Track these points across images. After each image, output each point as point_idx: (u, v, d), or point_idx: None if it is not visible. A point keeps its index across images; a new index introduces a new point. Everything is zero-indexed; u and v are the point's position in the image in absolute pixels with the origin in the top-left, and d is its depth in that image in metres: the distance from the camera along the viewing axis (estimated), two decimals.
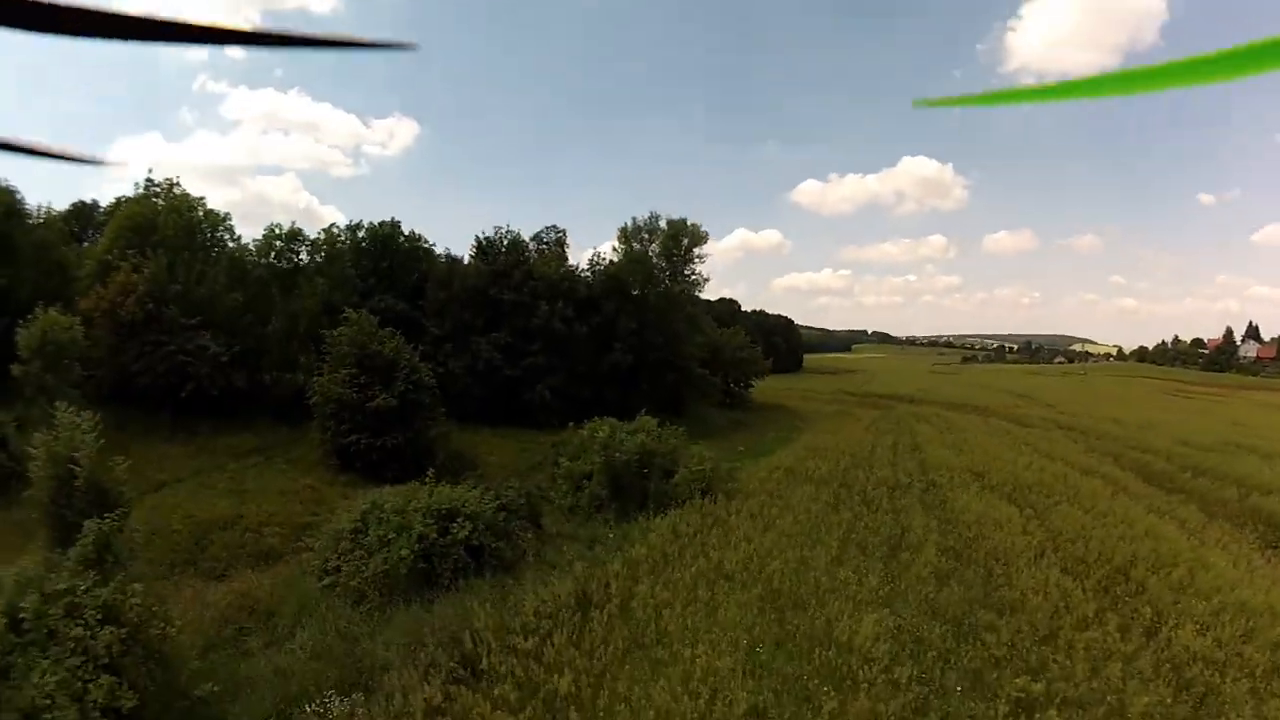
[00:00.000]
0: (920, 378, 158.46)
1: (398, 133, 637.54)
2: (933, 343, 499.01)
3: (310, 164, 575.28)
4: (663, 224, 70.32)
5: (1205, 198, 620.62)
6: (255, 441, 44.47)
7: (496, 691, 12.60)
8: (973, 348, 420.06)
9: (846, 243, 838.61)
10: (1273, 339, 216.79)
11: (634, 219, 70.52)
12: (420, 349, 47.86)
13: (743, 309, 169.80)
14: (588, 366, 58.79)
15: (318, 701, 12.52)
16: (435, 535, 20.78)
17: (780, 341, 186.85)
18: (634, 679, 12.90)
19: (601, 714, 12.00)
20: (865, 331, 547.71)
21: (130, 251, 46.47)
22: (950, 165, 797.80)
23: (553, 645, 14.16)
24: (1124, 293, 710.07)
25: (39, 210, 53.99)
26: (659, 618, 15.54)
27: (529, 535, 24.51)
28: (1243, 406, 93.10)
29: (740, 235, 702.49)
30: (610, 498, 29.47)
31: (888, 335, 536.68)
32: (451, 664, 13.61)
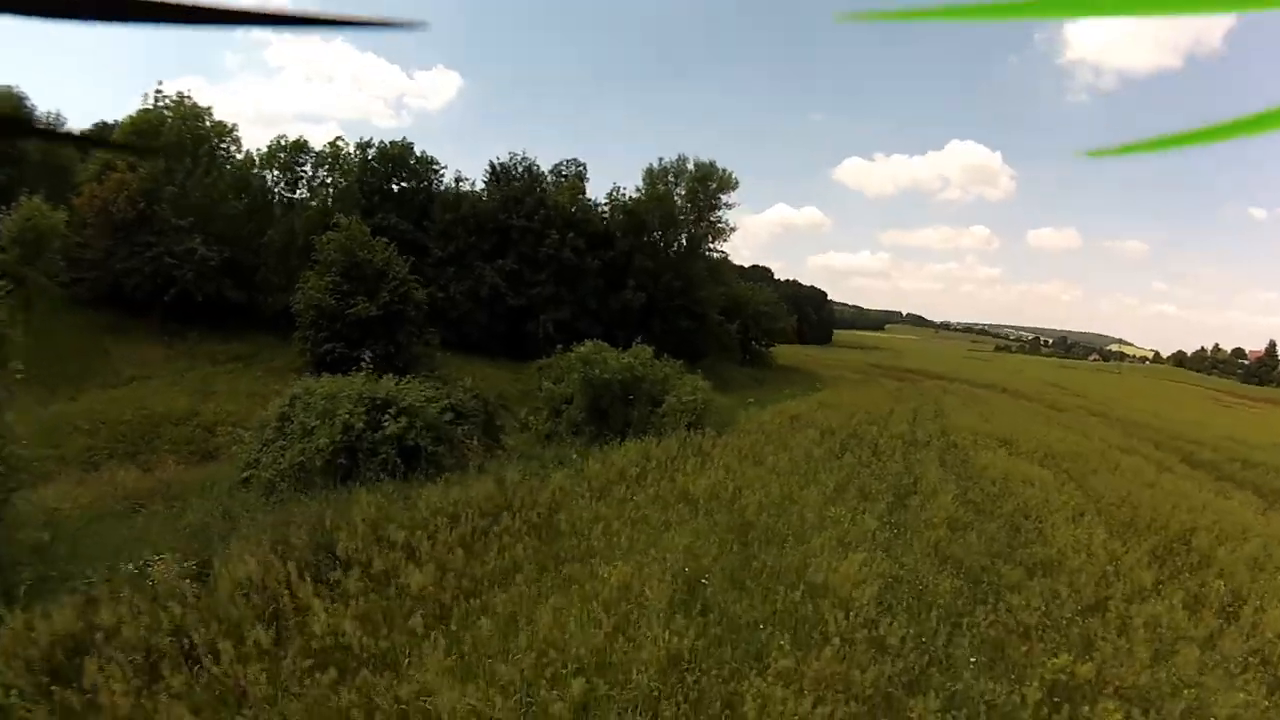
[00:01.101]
0: (952, 359, 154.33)
1: (440, 84, 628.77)
2: (967, 329, 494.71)
3: (353, 113, 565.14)
4: (690, 166, 66.80)
5: (1257, 212, 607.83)
6: (240, 349, 43.94)
7: (334, 576, 9.83)
8: (1007, 338, 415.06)
9: (888, 225, 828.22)
10: None
11: (660, 159, 67.13)
12: (421, 271, 46.01)
13: (777, 279, 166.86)
14: (598, 302, 55.32)
15: (139, 560, 10.58)
16: (362, 427, 17.91)
17: (811, 313, 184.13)
18: (522, 595, 9.67)
19: (454, 623, 8.85)
20: (900, 313, 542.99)
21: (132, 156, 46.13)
22: (1000, 153, 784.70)
23: (433, 542, 11.16)
24: (1165, 299, 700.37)
25: (49, 118, 53.85)
26: (587, 535, 12.33)
27: (477, 445, 21.33)
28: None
29: (780, 210, 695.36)
30: (587, 421, 26.26)
31: (923, 319, 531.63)
32: (304, 545, 10.81)
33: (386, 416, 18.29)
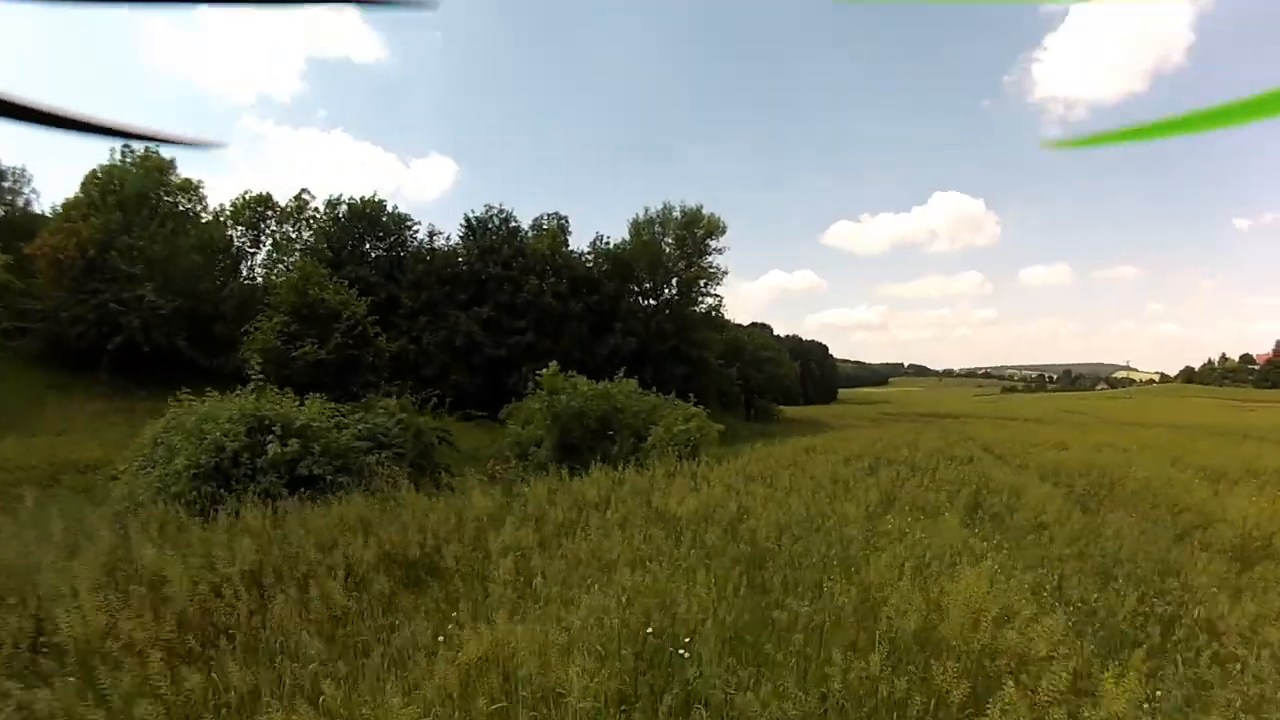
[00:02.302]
0: (963, 402, 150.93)
1: (437, 171, 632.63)
2: (970, 374, 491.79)
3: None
4: (676, 213, 63.17)
5: (1240, 222, 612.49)
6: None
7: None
8: (1011, 379, 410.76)
9: (881, 280, 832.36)
10: None
11: (646, 208, 63.72)
12: (392, 324, 43.58)
13: (777, 335, 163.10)
14: (583, 350, 50.55)
15: None
16: (237, 448, 14.14)
17: (815, 368, 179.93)
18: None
19: None
20: (902, 365, 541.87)
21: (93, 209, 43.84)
22: (982, 200, 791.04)
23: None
24: (1163, 319, 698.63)
25: (12, 173, 53.45)
26: (485, 575, 7.93)
27: (400, 478, 16.71)
28: None
29: (774, 276, 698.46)
30: (559, 460, 21.47)
31: (925, 368, 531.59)
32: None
33: (270, 438, 14.47)
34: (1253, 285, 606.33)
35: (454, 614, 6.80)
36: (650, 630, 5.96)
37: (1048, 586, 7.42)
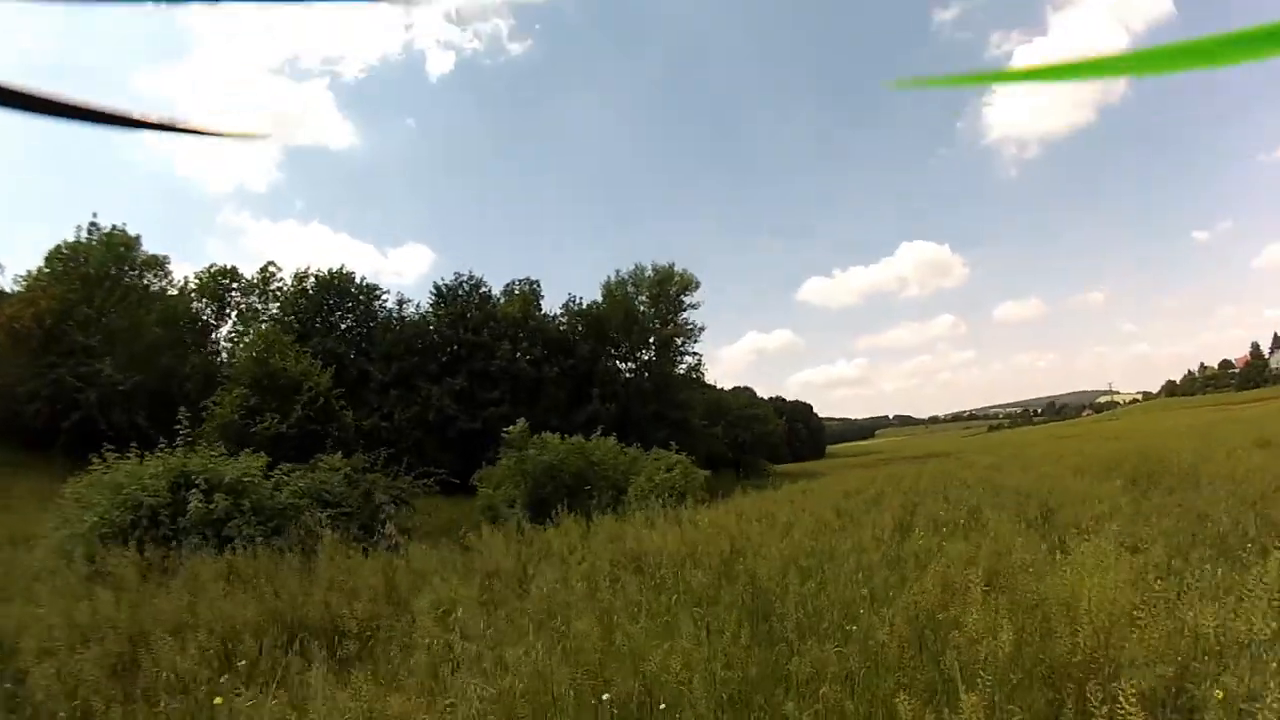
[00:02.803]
0: (953, 443, 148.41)
1: (413, 259, 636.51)
2: (956, 418, 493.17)
3: None
4: (649, 272, 61.92)
5: (1199, 234, 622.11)
6: None
7: None
8: (997, 417, 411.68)
9: (858, 333, 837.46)
10: None
11: (617, 270, 62.46)
12: (363, 399, 42.14)
13: (760, 397, 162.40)
14: (560, 418, 48.61)
15: None
16: (156, 504, 13.00)
17: (802, 428, 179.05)
18: None
19: None
20: (887, 417, 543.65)
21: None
22: (947, 245, 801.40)
23: None
24: (1137, 339, 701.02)
25: None
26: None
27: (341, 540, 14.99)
28: None
29: (751, 338, 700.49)
30: (532, 519, 19.67)
31: (910, 418, 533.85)
32: None
33: (193, 493, 13.24)
34: (1221, 294, 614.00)
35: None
36: (608, 696, 4.11)
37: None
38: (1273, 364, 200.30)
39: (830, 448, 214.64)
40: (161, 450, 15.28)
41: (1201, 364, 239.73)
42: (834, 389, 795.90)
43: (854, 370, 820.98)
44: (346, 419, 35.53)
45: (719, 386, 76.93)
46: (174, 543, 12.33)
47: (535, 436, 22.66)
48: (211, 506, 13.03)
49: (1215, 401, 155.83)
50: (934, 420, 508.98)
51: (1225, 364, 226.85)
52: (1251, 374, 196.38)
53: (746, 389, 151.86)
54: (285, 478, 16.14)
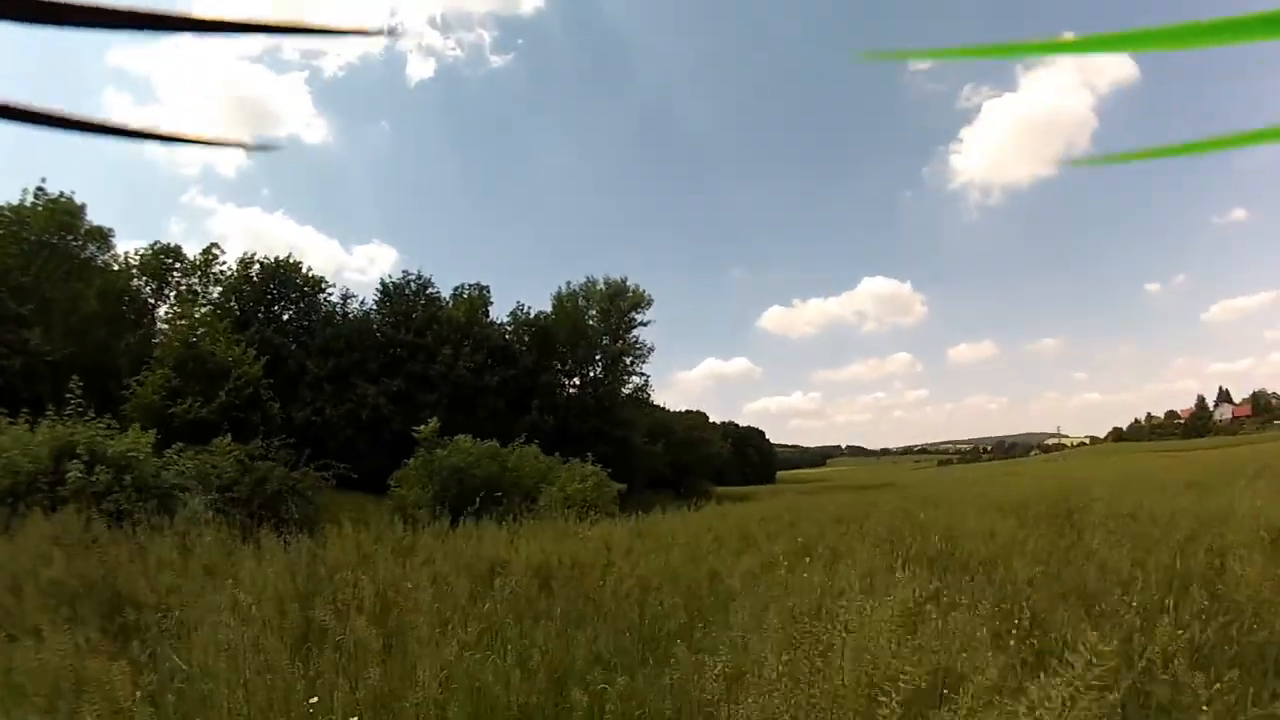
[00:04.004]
0: (901, 474, 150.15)
1: (377, 258, 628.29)
2: (907, 451, 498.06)
3: None
4: (601, 285, 61.54)
5: (1152, 287, 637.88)
6: None
7: None
8: (947, 453, 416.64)
9: (815, 365, 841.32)
10: (1245, 399, 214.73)
11: (568, 282, 62.06)
12: (297, 393, 42.05)
13: (712, 421, 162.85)
14: (497, 427, 47.94)
15: None
16: (35, 473, 13.10)
17: (753, 453, 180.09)
18: None
19: None
20: (840, 447, 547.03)
21: None
22: (908, 283, 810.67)
23: None
24: (1087, 387, 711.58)
25: None
26: None
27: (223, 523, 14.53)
28: (1244, 455, 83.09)
29: (710, 364, 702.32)
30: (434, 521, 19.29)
31: (862, 449, 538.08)
32: None
33: (74, 463, 13.35)
34: (1171, 345, 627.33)
35: None
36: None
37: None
38: (1217, 416, 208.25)
39: (781, 473, 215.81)
40: (51, 419, 15.01)
41: (1149, 414, 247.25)
42: (789, 419, 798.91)
43: (809, 403, 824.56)
44: (273, 410, 34.75)
45: (671, 409, 76.66)
46: (54, 512, 11.81)
47: (449, 438, 22.17)
48: (92, 479, 12.96)
49: (1158, 448, 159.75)
50: (885, 452, 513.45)
51: (1171, 414, 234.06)
52: (1196, 425, 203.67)
53: (699, 413, 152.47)
54: (176, 457, 16.20)
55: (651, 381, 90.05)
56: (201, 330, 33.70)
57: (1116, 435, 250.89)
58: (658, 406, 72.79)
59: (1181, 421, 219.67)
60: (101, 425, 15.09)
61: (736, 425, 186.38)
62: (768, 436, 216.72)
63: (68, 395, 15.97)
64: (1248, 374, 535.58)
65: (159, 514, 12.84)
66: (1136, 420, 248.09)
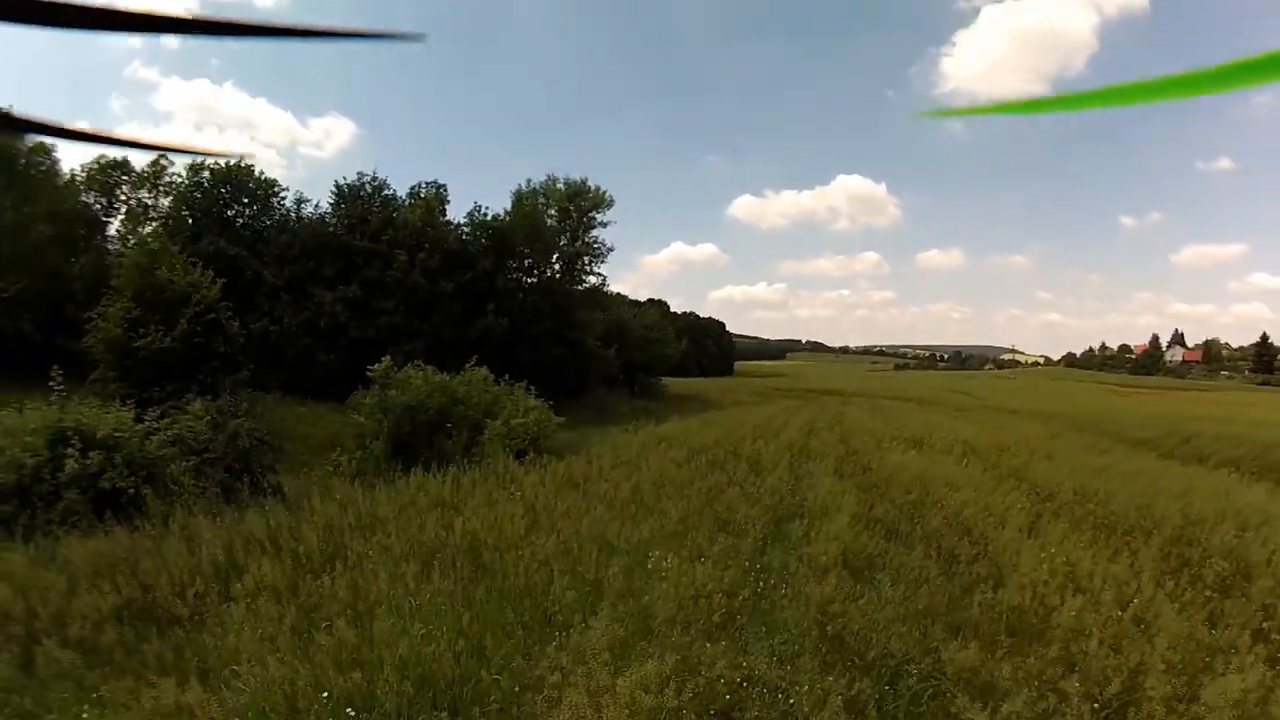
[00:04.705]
0: (854, 378, 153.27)
1: (334, 131, 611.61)
2: (866, 351, 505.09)
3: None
4: (560, 185, 61.69)
5: (1127, 220, 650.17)
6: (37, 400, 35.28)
7: None
8: (905, 357, 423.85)
9: (783, 257, 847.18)
10: (1197, 345, 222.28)
11: (529, 180, 61.90)
12: (254, 302, 42.33)
13: (673, 311, 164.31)
14: (454, 332, 48.70)
15: None
16: (36, 464, 13.60)
17: (712, 345, 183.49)
18: None
19: None
20: (800, 341, 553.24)
21: None
22: (884, 185, 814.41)
23: None
24: (1050, 308, 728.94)
25: None
26: None
27: (209, 486, 15.73)
28: (1185, 402, 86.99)
29: (677, 248, 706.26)
30: (390, 455, 20.72)
31: (822, 345, 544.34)
32: None
33: (70, 452, 13.70)
34: (1137, 280, 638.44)
35: None
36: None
37: None
38: (1168, 357, 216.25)
39: (740, 364, 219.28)
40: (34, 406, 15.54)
41: (1103, 343, 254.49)
42: (752, 309, 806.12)
43: (774, 294, 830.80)
44: (233, 329, 34.76)
45: (632, 297, 77.10)
46: (58, 499, 13.12)
47: (401, 371, 23.29)
48: (87, 463, 13.60)
49: (1105, 380, 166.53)
50: (845, 350, 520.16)
51: (1124, 348, 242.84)
52: (1146, 363, 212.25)
53: (660, 302, 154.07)
54: (156, 424, 16.43)
55: (616, 263, 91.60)
56: (151, 255, 33.34)
57: (1069, 360, 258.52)
58: (619, 297, 73.74)
59: (1133, 357, 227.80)
60: (84, 407, 15.59)
61: (697, 316, 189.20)
62: (729, 328, 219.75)
63: (51, 383, 16.88)
64: (1207, 319, 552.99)
65: (147, 484, 14.06)
66: (1090, 348, 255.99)
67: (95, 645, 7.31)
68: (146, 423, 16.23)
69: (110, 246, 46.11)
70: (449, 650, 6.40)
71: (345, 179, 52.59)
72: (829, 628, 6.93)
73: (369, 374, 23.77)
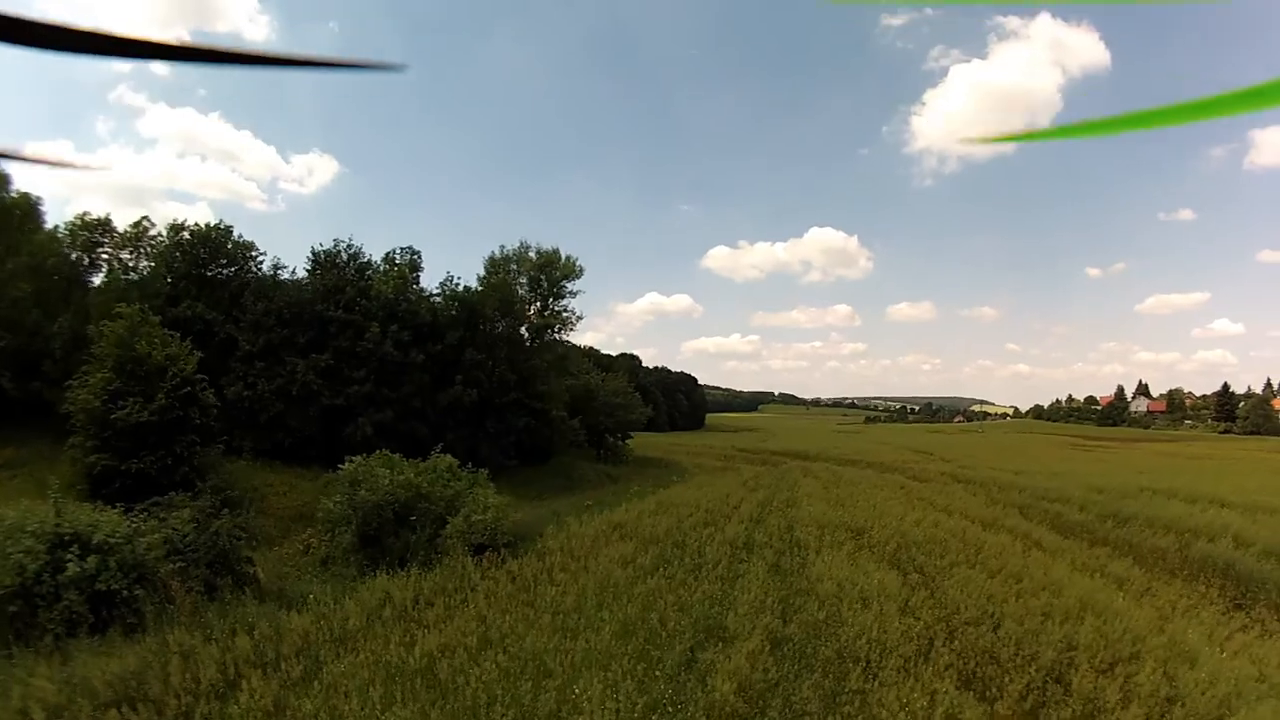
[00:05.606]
0: (821, 436, 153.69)
1: (317, 170, 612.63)
2: (837, 404, 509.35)
3: (225, 195, 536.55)
4: (532, 254, 63.42)
5: (1093, 271, 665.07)
6: (11, 455, 36.91)
7: None
8: (876, 409, 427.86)
9: (756, 308, 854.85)
10: (1161, 395, 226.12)
11: (502, 247, 63.71)
12: (228, 367, 43.54)
13: (645, 365, 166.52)
14: (423, 401, 50.15)
15: None
16: (38, 569, 14.49)
17: (683, 399, 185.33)
18: None
19: None
20: (772, 393, 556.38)
21: None
22: (855, 237, 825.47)
23: None
24: (1018, 359, 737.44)
25: None
26: None
27: (193, 587, 16.79)
28: (1144, 456, 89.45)
29: (651, 299, 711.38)
30: (357, 548, 22.12)
31: (794, 397, 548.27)
32: None
33: (70, 555, 14.69)
34: (1103, 330, 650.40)
35: None
36: None
37: None
38: (1133, 408, 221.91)
39: (711, 417, 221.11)
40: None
41: (1070, 395, 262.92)
42: (725, 360, 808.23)
43: (746, 346, 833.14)
44: (209, 401, 36.08)
45: (603, 352, 78.49)
46: (58, 600, 14.08)
47: (377, 463, 24.64)
48: (85, 566, 14.60)
49: (1071, 432, 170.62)
50: (816, 403, 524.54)
51: (1090, 400, 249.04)
52: (1112, 414, 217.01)
53: (632, 357, 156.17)
54: (141, 525, 17.40)
55: (591, 311, 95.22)
56: (131, 328, 34.15)
57: (1037, 412, 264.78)
58: (590, 352, 74.76)
59: (1099, 408, 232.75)
60: (82, 509, 16.73)
61: (669, 371, 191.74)
62: (702, 379, 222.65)
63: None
64: (1172, 366, 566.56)
65: (137, 585, 15.20)
66: (1057, 400, 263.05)
67: None
68: (133, 522, 17.31)
69: (92, 302, 45.53)
70: None
71: (321, 245, 53.80)
72: None
73: (337, 470, 25.01)
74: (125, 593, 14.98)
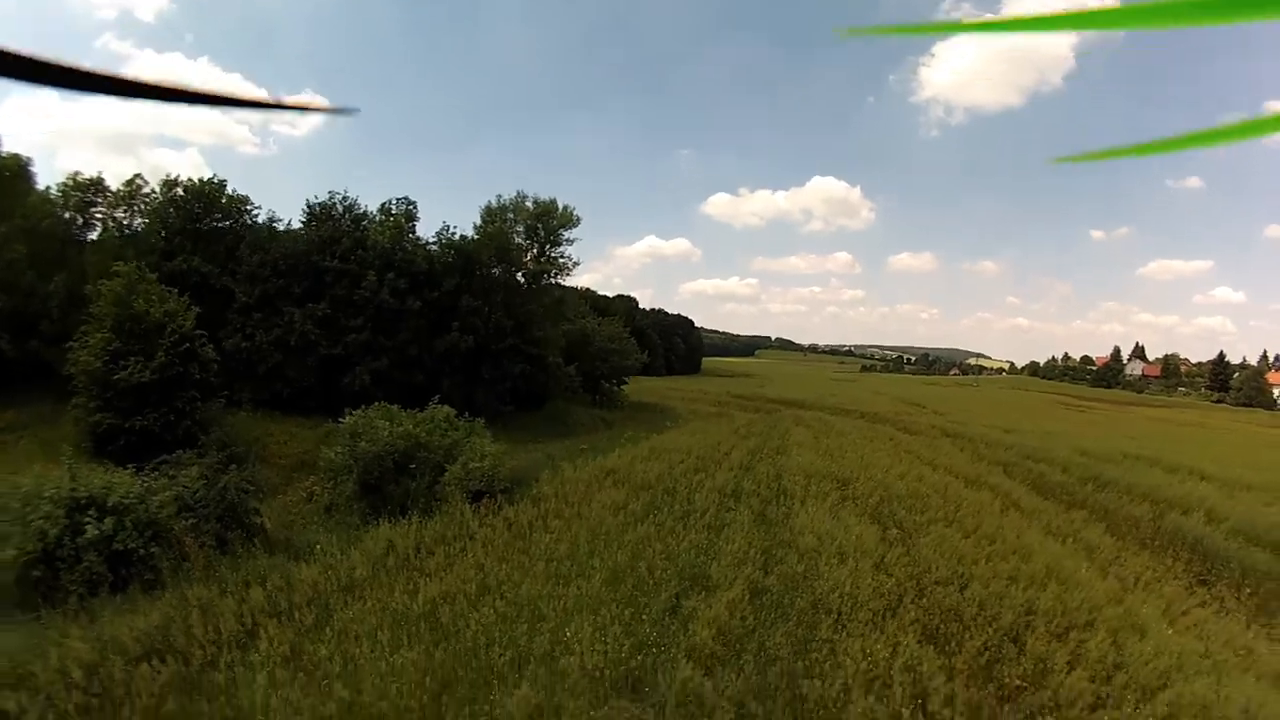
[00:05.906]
0: (817, 384, 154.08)
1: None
2: (834, 351, 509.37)
3: (215, 140, 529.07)
4: (529, 204, 63.35)
5: (1096, 233, 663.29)
6: (13, 418, 37.13)
7: None
8: (872, 358, 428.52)
9: (755, 253, 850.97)
10: (1157, 359, 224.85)
11: (499, 196, 63.31)
12: (226, 319, 44.02)
13: (642, 307, 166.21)
14: (419, 348, 50.75)
15: None
16: (58, 533, 15.36)
17: (680, 342, 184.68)
18: None
19: None
20: (769, 338, 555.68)
21: None
22: (859, 188, 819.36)
23: None
24: (1018, 313, 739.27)
25: None
26: None
27: (206, 542, 17.49)
28: (1135, 420, 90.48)
29: (650, 242, 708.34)
30: (359, 496, 22.95)
31: (791, 342, 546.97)
32: None
33: (88, 518, 15.52)
34: (1104, 290, 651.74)
35: None
36: None
37: None
38: (1128, 371, 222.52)
39: (708, 362, 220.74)
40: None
41: (1066, 354, 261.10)
42: (723, 303, 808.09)
43: (745, 288, 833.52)
44: (209, 355, 36.72)
45: (600, 293, 78.64)
46: (78, 562, 14.87)
47: (375, 414, 25.35)
48: (103, 528, 15.41)
49: (1068, 393, 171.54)
50: (813, 349, 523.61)
51: (1086, 359, 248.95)
52: (1107, 375, 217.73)
53: (629, 298, 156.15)
54: (153, 484, 18.04)
55: (588, 256, 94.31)
56: (129, 286, 34.43)
57: (1032, 369, 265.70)
58: (587, 293, 74.60)
59: (1094, 369, 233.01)
60: (95, 471, 17.52)
61: (665, 313, 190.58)
62: (700, 321, 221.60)
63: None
64: (1171, 329, 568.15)
65: (153, 543, 16.01)
66: (1053, 358, 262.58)
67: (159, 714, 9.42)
68: (145, 481, 17.99)
69: (87, 266, 45.74)
70: (417, 702, 8.75)
71: (316, 197, 54.03)
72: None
73: (339, 424, 25.72)
74: (142, 551, 15.79)
